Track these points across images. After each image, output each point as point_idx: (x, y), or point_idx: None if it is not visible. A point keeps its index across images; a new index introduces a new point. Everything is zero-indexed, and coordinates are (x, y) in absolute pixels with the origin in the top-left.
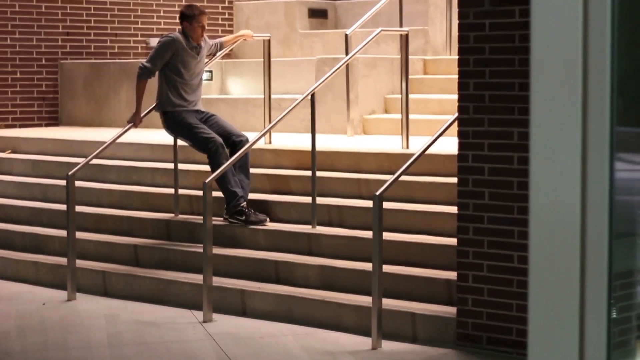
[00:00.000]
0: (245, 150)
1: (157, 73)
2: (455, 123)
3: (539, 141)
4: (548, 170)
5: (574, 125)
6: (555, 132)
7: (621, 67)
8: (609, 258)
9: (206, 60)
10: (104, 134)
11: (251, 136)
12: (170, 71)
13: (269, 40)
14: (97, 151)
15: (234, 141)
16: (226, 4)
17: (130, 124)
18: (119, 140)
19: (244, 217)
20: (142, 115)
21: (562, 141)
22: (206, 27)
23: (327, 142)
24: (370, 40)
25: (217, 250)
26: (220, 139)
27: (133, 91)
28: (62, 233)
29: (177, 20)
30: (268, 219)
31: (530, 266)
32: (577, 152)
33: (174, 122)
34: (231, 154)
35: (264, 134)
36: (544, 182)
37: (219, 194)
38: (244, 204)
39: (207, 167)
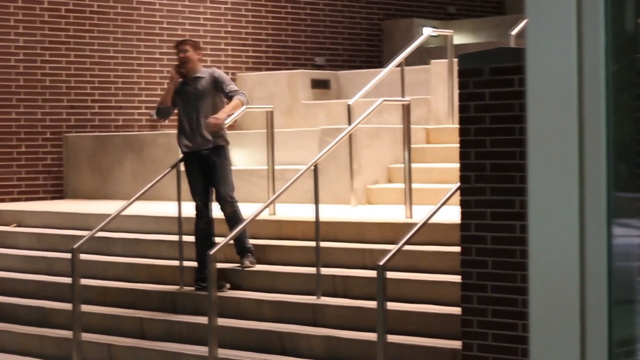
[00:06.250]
0: (246, 223)
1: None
2: (458, 192)
3: (538, 209)
4: (547, 237)
5: (571, 191)
6: (553, 199)
7: (618, 133)
8: (609, 325)
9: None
10: (108, 207)
11: (255, 207)
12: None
13: (271, 112)
14: (102, 224)
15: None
16: (230, 76)
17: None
18: (123, 213)
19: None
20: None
21: (560, 208)
22: (184, 56)
23: (330, 213)
24: (372, 110)
25: (222, 322)
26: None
27: (137, 164)
28: (68, 306)
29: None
30: (228, 285)
31: (531, 334)
32: (575, 218)
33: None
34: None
35: (267, 205)
36: (542, 250)
37: (224, 265)
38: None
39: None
